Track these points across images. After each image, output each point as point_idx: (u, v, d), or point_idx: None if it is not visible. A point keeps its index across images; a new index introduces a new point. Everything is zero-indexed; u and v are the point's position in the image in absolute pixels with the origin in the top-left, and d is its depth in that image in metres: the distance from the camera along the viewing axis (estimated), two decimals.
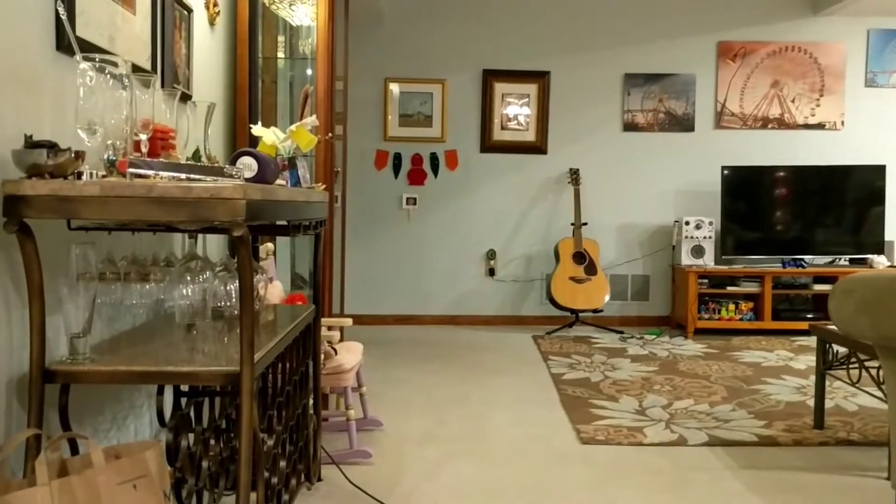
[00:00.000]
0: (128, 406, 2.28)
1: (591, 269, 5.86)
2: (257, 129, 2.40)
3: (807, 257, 5.96)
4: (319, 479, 2.72)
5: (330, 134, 3.48)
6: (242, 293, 1.67)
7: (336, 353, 2.99)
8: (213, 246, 2.96)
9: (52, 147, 1.53)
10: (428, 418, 3.56)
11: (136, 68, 2.10)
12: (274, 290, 2.91)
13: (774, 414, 3.63)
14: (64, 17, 1.82)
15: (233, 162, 1.88)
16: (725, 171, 5.97)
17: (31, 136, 1.56)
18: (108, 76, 1.67)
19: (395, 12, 6.07)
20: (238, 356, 1.66)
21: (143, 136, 1.77)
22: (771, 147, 6.28)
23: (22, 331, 1.69)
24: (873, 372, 2.98)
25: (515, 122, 6.30)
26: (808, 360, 4.68)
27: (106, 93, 1.66)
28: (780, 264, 5.93)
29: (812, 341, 3.61)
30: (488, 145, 6.29)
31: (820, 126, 6.32)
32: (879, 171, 5.96)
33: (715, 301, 5.85)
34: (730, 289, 5.88)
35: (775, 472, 2.90)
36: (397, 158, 6.26)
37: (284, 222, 2.20)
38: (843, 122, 6.31)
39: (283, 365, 2.26)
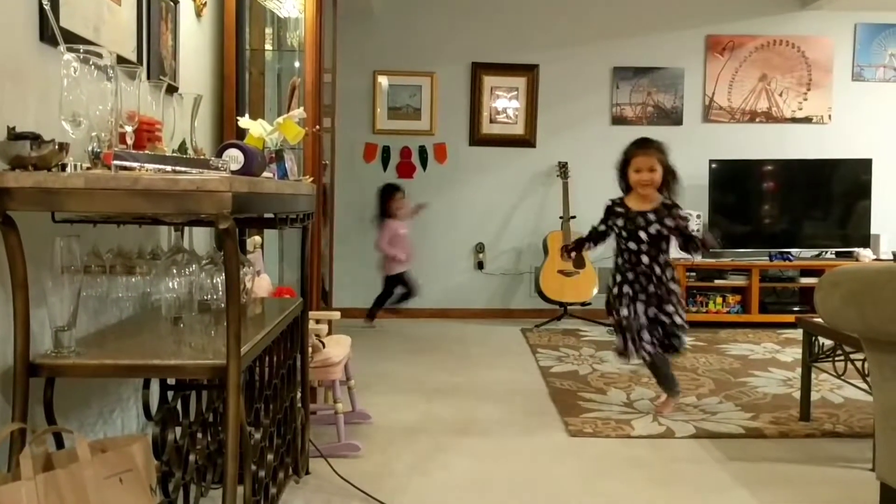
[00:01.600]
0: (114, 399, 2.27)
1: (580, 263, 5.86)
2: (244, 122, 2.39)
3: (794, 250, 5.99)
4: (308, 473, 2.71)
5: (318, 126, 3.46)
6: (229, 286, 1.66)
7: (324, 347, 2.98)
8: (200, 239, 2.94)
9: (35, 138, 1.52)
10: (417, 411, 3.56)
11: (121, 60, 2.09)
12: (262, 284, 2.89)
13: (761, 406, 3.65)
14: (47, 7, 1.80)
15: (219, 154, 1.87)
16: (713, 165, 5.98)
17: (13, 128, 1.55)
18: (93, 67, 1.66)
19: (383, 4, 6.03)
20: (225, 349, 1.66)
21: (129, 128, 1.75)
22: (758, 141, 6.30)
23: (6, 324, 1.67)
24: (859, 364, 3.00)
25: (504, 115, 6.29)
26: (795, 353, 4.71)
27: (90, 84, 1.65)
28: (768, 257, 5.96)
29: (798, 334, 3.63)
30: (477, 138, 6.28)
31: (807, 120, 6.35)
32: (866, 164, 5.99)
33: (702, 294, 5.88)
34: (717, 282, 5.90)
35: (762, 463, 2.92)
36: (386, 151, 6.24)
37: (272, 215, 2.19)
38: (830, 116, 6.34)
39: (271, 358, 2.26)
